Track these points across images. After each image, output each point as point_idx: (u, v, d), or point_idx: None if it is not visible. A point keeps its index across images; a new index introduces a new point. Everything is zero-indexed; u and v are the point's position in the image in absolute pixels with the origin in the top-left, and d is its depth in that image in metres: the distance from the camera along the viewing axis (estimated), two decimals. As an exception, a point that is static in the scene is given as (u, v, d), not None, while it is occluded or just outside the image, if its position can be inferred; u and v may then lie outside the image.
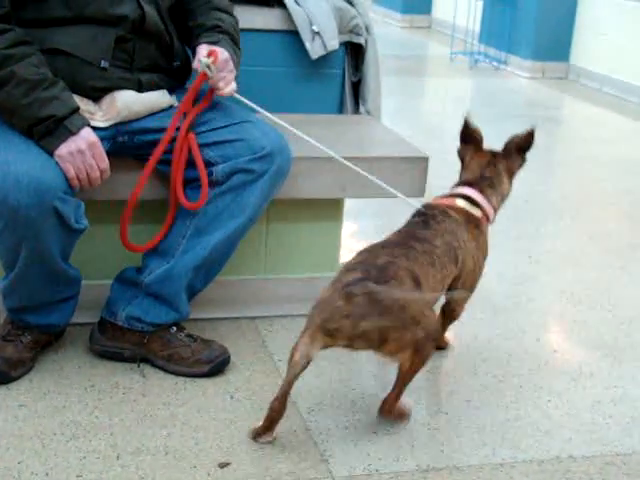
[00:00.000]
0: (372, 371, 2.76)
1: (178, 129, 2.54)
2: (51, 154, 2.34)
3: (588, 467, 2.35)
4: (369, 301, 2.17)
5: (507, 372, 2.82)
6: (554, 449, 2.42)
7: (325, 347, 2.24)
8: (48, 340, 2.70)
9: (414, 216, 2.59)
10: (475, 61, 8.62)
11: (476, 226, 2.61)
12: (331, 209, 3.05)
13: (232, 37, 2.65)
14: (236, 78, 2.60)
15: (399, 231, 2.52)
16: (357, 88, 3.38)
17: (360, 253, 2.39)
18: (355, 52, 3.33)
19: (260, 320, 3.00)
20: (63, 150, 2.33)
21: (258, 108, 2.65)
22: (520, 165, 2.81)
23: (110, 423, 2.40)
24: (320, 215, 3.03)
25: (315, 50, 3.20)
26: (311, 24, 3.19)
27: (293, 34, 3.21)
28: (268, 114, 2.64)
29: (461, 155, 2.79)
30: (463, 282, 2.60)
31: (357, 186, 2.87)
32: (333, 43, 3.22)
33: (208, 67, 2.47)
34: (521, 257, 3.81)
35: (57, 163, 2.34)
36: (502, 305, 3.31)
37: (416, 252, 2.37)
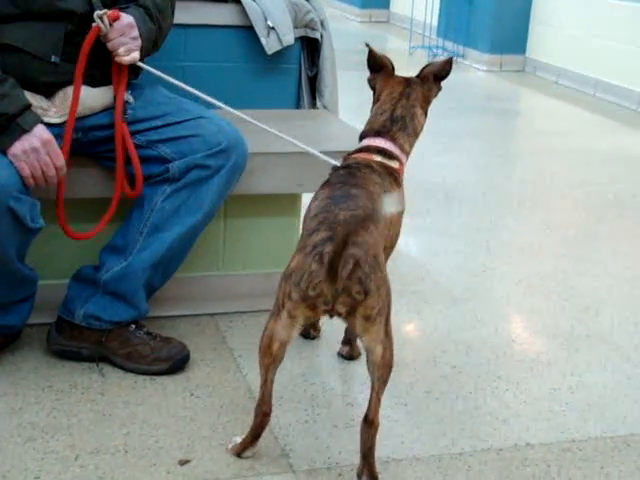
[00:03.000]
0: (332, 365, 2.75)
1: None
2: (4, 153, 2.31)
3: (545, 454, 2.37)
4: (342, 257, 2.01)
5: (466, 362, 2.82)
6: (512, 437, 2.43)
7: (305, 322, 2.11)
8: (4, 341, 2.67)
9: (337, 169, 2.43)
10: (433, 55, 8.64)
11: (395, 178, 2.45)
12: (288, 204, 3.04)
13: (148, 11, 2.55)
14: (142, 52, 2.52)
15: (333, 184, 2.33)
16: (314, 83, 3.38)
17: (315, 216, 2.21)
18: (311, 47, 3.33)
19: (219, 316, 2.99)
20: (17, 149, 2.31)
21: (177, 82, 2.61)
22: (436, 93, 2.60)
23: (68, 423, 2.38)
24: (278, 210, 3.02)
25: (270, 45, 3.19)
26: (266, 19, 3.18)
27: (248, 29, 3.19)
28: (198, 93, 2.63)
29: (372, 84, 2.61)
30: (391, 234, 2.44)
31: (314, 181, 2.85)
32: (288, 38, 3.21)
33: (101, 19, 2.39)
34: (479, 248, 3.82)
35: (11, 162, 2.31)
36: (461, 296, 3.32)
37: (363, 200, 2.23)
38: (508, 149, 5.71)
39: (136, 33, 2.47)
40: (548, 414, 2.56)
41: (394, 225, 2.42)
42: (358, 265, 2.03)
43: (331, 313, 2.09)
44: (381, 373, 2.17)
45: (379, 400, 2.17)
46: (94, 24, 2.41)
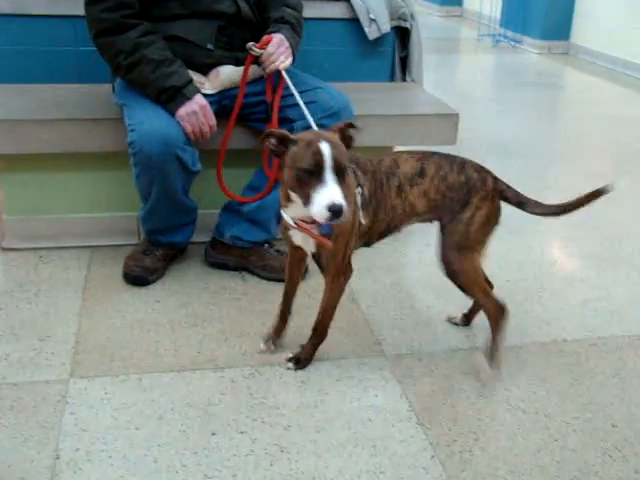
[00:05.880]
0: (414, 278, 2.73)
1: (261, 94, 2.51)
2: (173, 115, 2.33)
3: (577, 347, 2.32)
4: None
5: (518, 277, 2.77)
6: (552, 334, 2.39)
7: None
8: (175, 254, 2.73)
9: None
10: (497, 41, 8.36)
11: None
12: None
13: (292, 26, 2.53)
14: (294, 57, 2.50)
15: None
16: (404, 62, 3.30)
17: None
18: (402, 34, 3.25)
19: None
20: (182, 111, 2.33)
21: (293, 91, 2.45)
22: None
23: (220, 315, 2.42)
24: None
25: (372, 33, 3.14)
26: (368, 13, 3.11)
27: (355, 21, 3.14)
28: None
29: None
30: None
31: (403, 137, 2.81)
32: (385, 27, 3.14)
33: (250, 49, 2.41)
34: (530, 191, 3.67)
35: (178, 122, 2.33)
36: (515, 227, 3.23)
37: None
38: (554, 114, 5.51)
39: (287, 44, 2.45)
40: (580, 317, 2.50)
41: None
42: None
43: None
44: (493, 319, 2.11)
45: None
46: (250, 52, 2.42)
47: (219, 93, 2.51)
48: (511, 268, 2.84)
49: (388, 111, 2.71)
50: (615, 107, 5.61)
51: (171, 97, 2.32)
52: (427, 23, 9.48)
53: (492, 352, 2.10)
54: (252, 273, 2.68)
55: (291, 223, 1.90)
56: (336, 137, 1.79)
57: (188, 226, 2.67)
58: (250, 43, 2.43)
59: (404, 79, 3.31)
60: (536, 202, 2.12)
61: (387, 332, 2.36)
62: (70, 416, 1.91)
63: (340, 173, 1.70)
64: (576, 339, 2.37)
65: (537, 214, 2.12)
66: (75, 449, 1.80)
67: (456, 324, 2.42)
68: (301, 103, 2.31)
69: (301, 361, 2.15)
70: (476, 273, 2.09)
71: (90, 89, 2.89)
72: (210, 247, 2.73)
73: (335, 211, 1.65)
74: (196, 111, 2.34)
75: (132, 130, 2.31)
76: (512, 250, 3.01)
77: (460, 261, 2.05)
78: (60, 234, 2.81)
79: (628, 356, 2.29)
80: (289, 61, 2.47)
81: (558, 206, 2.10)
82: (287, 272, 2.18)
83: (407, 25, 3.20)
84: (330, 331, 2.32)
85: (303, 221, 1.88)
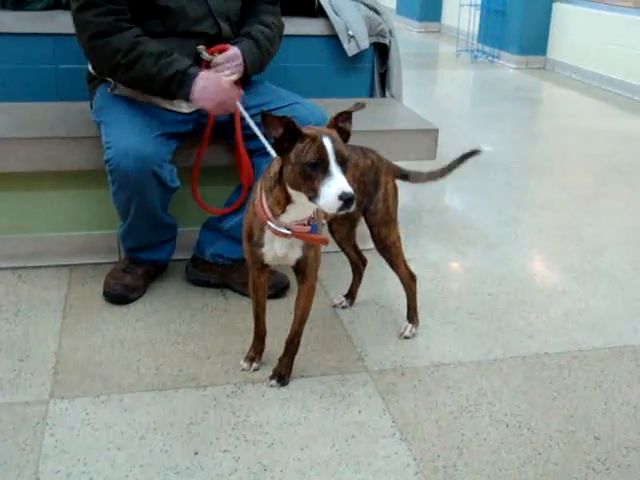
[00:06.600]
0: (396, 293, 2.72)
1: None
2: (188, 99, 2.29)
3: (559, 360, 2.32)
4: None
5: (499, 291, 2.77)
6: (534, 348, 2.39)
7: None
8: (155, 272, 2.71)
9: None
10: (475, 57, 8.42)
11: None
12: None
13: (256, 41, 2.48)
14: (255, 71, 2.48)
15: None
16: (384, 78, 3.32)
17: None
18: (381, 50, 3.26)
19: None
20: (195, 93, 2.28)
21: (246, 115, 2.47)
22: None
23: (202, 332, 2.41)
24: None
25: (351, 49, 3.15)
26: (347, 29, 3.13)
27: (334, 38, 3.15)
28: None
29: None
30: None
31: (382, 152, 2.79)
32: (364, 44, 3.16)
33: (200, 53, 2.38)
34: (510, 204, 3.73)
35: (155, 138, 2.30)
36: (496, 240, 3.25)
37: None
38: (532, 128, 5.56)
39: (239, 61, 2.41)
40: (562, 330, 2.51)
41: None
42: None
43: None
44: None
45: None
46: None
47: (196, 112, 2.48)
48: (492, 282, 2.85)
49: (368, 127, 2.72)
50: (591, 120, 5.66)
51: (180, 83, 2.27)
52: (406, 39, 9.54)
53: (412, 314, 2.43)
54: (233, 290, 2.66)
55: (285, 231, 1.90)
56: (334, 132, 1.83)
57: (169, 243, 2.65)
58: (201, 46, 2.40)
59: (383, 95, 3.32)
60: (416, 172, 2.36)
61: (369, 348, 2.35)
62: (50, 437, 1.88)
63: (343, 164, 1.73)
64: (558, 352, 2.37)
65: (420, 182, 2.38)
66: (56, 471, 1.77)
67: (344, 307, 2.59)
68: (247, 117, 2.36)
69: (283, 376, 2.14)
70: (400, 243, 2.31)
71: (68, 107, 2.87)
72: (191, 264, 2.72)
73: (347, 199, 1.67)
74: (206, 85, 2.28)
75: (109, 147, 2.30)
76: (493, 264, 3.01)
77: (390, 234, 2.26)
78: (39, 253, 2.79)
79: (610, 368, 2.29)
80: (233, 77, 2.40)
81: (440, 170, 2.39)
82: (254, 296, 2.18)
83: (386, 41, 3.22)
84: (312, 348, 2.32)
85: (298, 225, 1.89)
